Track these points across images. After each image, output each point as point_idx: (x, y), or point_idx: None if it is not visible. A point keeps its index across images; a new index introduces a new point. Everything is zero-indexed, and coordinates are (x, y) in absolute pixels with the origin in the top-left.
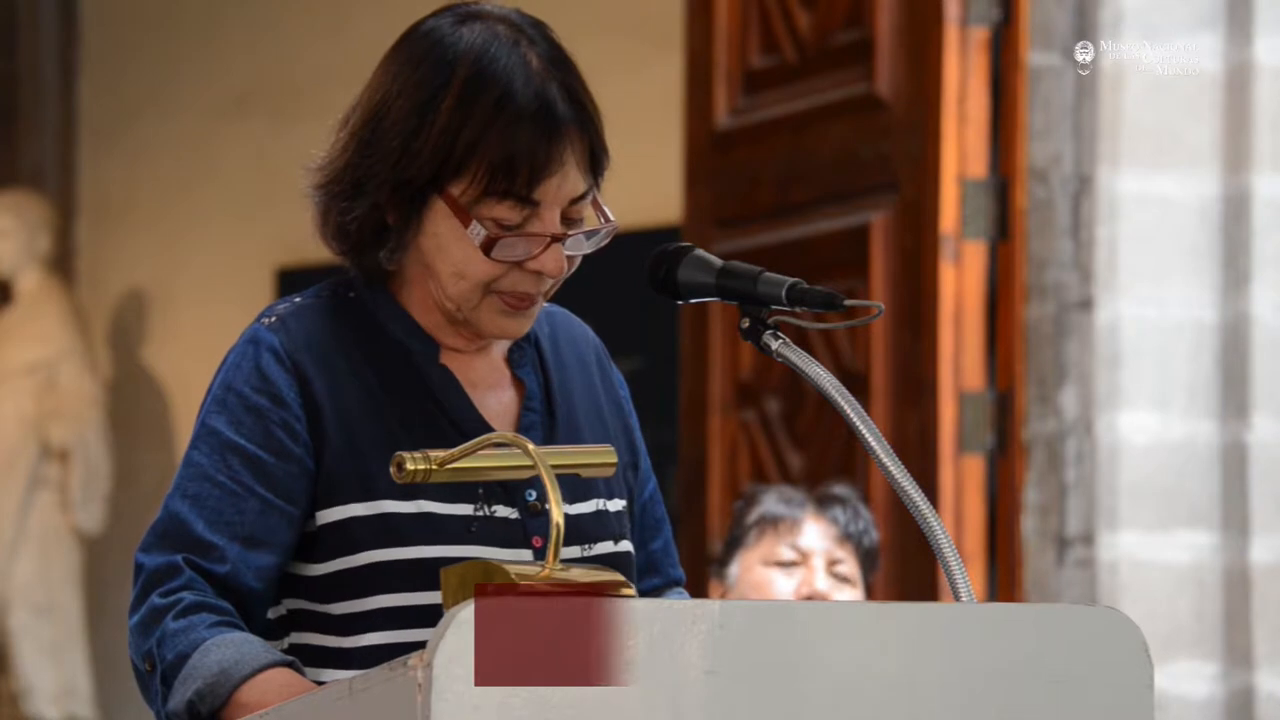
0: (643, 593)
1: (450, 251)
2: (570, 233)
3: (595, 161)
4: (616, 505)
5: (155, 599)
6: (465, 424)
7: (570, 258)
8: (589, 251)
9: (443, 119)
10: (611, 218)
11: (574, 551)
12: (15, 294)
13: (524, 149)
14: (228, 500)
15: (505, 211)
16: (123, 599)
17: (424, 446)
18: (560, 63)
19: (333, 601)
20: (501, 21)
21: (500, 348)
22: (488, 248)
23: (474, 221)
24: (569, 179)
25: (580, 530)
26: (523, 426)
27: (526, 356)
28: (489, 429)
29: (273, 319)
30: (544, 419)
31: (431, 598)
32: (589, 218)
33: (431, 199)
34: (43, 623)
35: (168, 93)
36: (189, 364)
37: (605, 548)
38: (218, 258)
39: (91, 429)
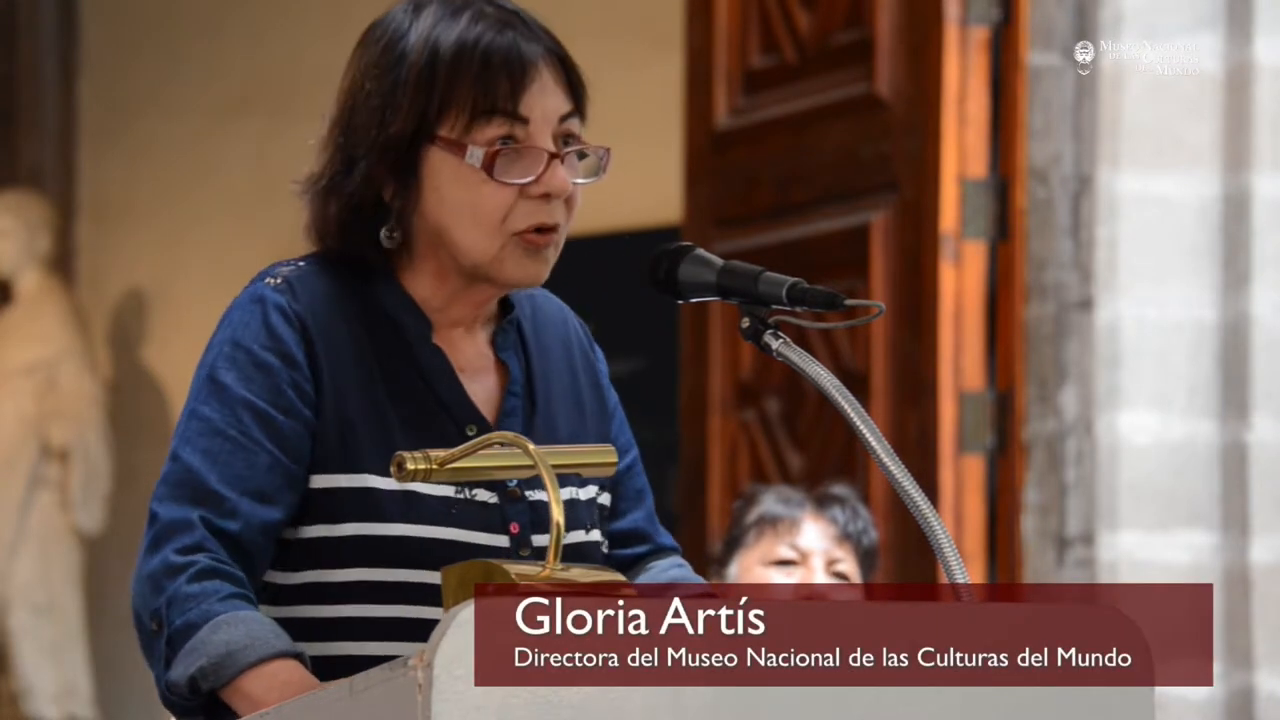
0: (630, 560)
1: (455, 197)
2: (565, 151)
3: (571, 84)
4: (589, 493)
5: (170, 555)
6: (453, 406)
7: (574, 187)
8: (587, 179)
9: (413, 73)
10: (602, 147)
11: (547, 540)
12: (15, 294)
13: (499, 67)
14: (239, 454)
15: (497, 129)
16: (123, 599)
17: (411, 424)
18: (517, 13)
19: (308, 569)
20: (451, 1)
21: (486, 331)
22: (489, 167)
23: (470, 146)
24: (549, 92)
25: None
26: (504, 411)
27: (509, 339)
28: (476, 412)
29: (278, 280)
30: (525, 404)
31: (408, 575)
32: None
33: (424, 150)
34: (43, 623)
35: (168, 93)
36: (189, 364)
37: (577, 536)
38: (218, 258)
39: (91, 429)
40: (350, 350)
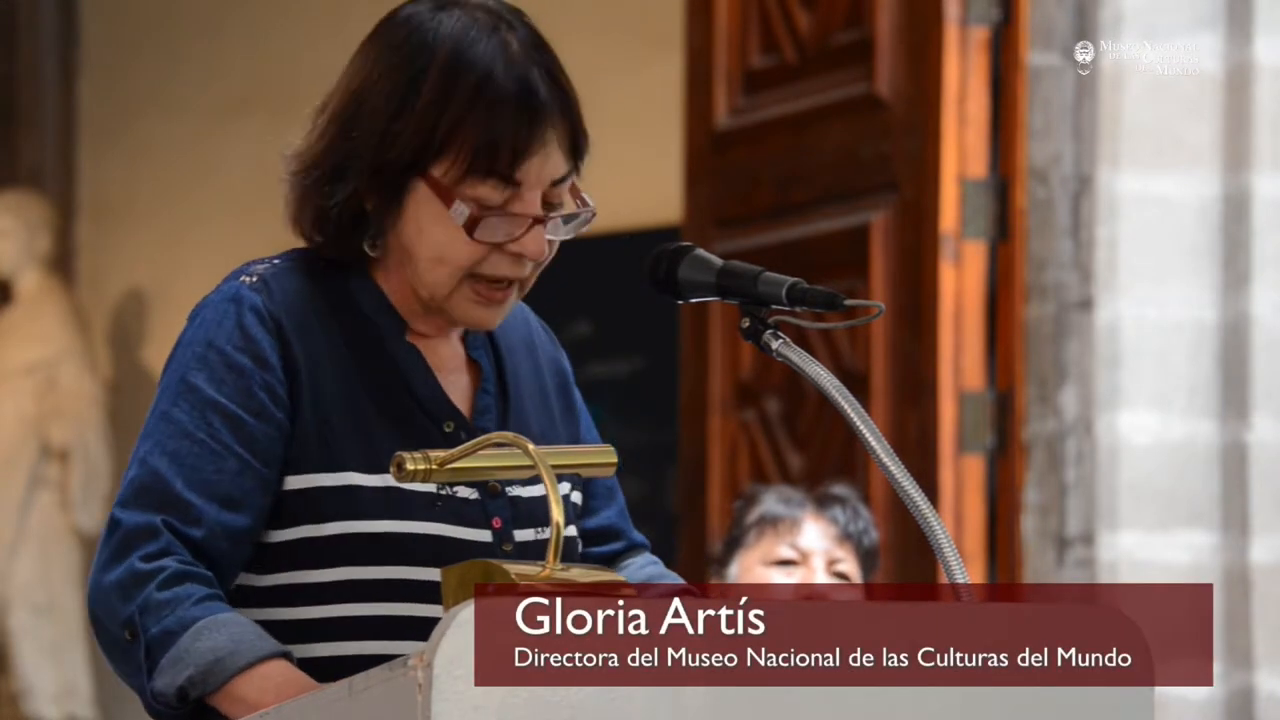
0: (605, 558)
1: (431, 235)
2: (550, 215)
3: (575, 145)
4: (562, 490)
5: (137, 562)
6: (429, 403)
7: (550, 243)
8: (567, 237)
9: (424, 101)
10: (590, 203)
11: (528, 534)
12: (15, 294)
13: (507, 129)
14: (207, 458)
15: (488, 192)
16: None
17: (389, 421)
18: (539, 47)
19: (286, 571)
20: (480, 9)
21: (458, 330)
22: (471, 227)
23: (457, 201)
24: (551, 160)
25: (534, 513)
26: (478, 409)
27: (479, 339)
28: (452, 408)
29: (254, 278)
30: (498, 401)
31: (395, 572)
32: (568, 203)
33: (413, 182)
34: (43, 623)
35: (168, 93)
36: None
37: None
38: (218, 258)
39: (91, 429)
40: (326, 349)
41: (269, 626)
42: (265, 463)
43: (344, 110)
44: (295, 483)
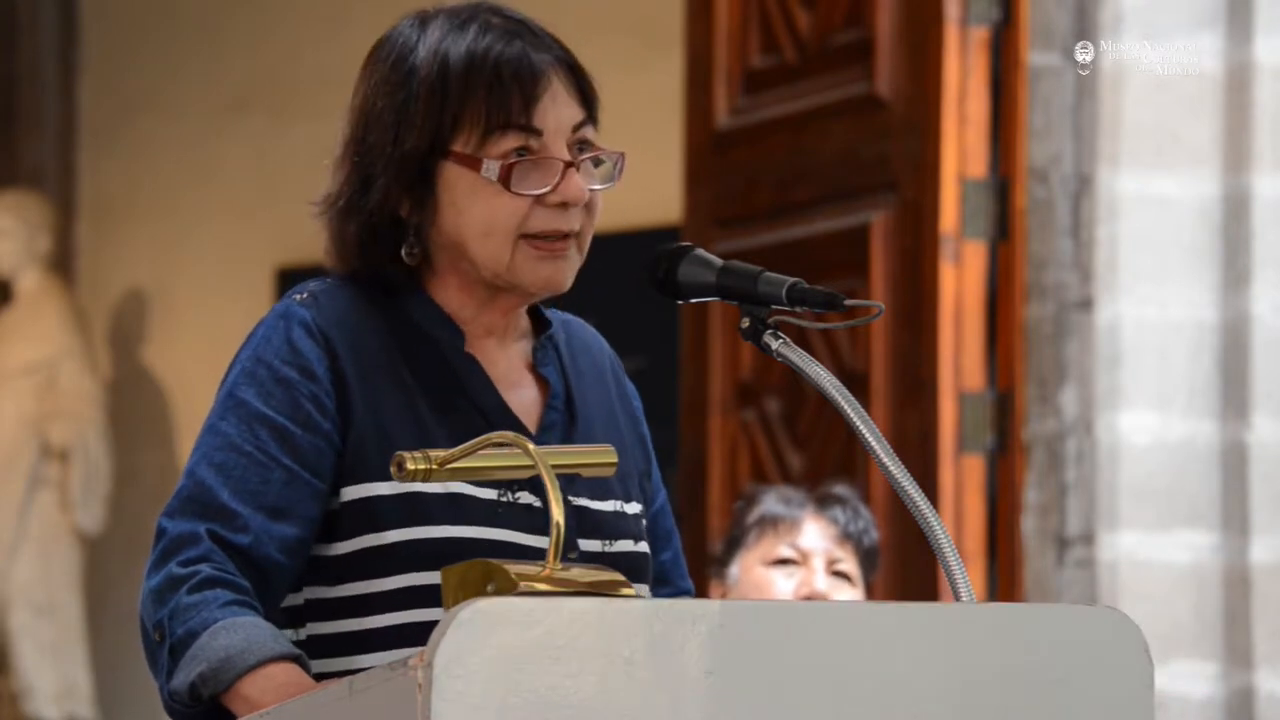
0: None
1: (472, 210)
2: (581, 158)
3: (584, 91)
4: (633, 509)
5: (174, 567)
6: (491, 413)
7: (592, 194)
8: (604, 186)
9: (425, 89)
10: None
11: (595, 545)
12: (15, 294)
13: (509, 77)
14: (254, 470)
15: (511, 143)
16: (123, 599)
17: (451, 432)
18: (524, 22)
19: (353, 581)
20: (460, 7)
21: (523, 346)
22: (506, 179)
23: (485, 161)
24: (560, 101)
25: (602, 526)
26: (545, 424)
27: (550, 356)
28: (514, 419)
29: (304, 295)
30: (565, 418)
31: None
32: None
33: (439, 166)
34: (43, 623)
35: (168, 93)
36: (189, 364)
37: (625, 545)
38: (218, 258)
39: (91, 429)
40: (383, 362)
41: (344, 639)
42: (314, 473)
43: (355, 132)
44: (354, 493)
